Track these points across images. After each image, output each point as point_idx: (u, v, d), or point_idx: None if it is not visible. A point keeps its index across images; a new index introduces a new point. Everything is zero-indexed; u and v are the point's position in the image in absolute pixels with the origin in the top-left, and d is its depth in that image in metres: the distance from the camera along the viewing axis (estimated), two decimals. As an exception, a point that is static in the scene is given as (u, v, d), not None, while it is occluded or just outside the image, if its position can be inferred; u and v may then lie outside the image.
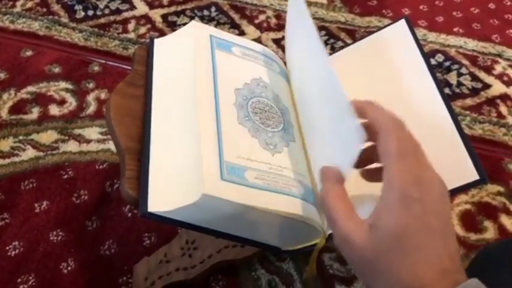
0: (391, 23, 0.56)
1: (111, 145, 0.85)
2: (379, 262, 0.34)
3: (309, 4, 1.18)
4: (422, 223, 0.33)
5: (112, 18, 1.10)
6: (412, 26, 0.54)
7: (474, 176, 0.42)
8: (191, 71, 0.49)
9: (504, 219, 0.80)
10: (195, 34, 0.53)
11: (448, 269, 0.33)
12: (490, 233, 0.78)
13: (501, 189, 0.84)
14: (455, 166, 0.43)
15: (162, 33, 1.07)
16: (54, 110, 0.90)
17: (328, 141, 0.43)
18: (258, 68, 0.54)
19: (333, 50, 1.05)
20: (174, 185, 0.42)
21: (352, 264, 0.37)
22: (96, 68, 0.98)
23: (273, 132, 0.48)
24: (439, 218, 0.34)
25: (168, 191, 0.42)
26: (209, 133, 0.43)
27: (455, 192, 0.42)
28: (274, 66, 0.57)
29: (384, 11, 1.16)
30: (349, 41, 1.09)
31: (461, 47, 1.10)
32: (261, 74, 0.53)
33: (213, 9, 1.15)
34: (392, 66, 0.53)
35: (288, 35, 0.58)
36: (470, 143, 0.44)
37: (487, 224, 0.79)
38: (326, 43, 1.08)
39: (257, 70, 0.54)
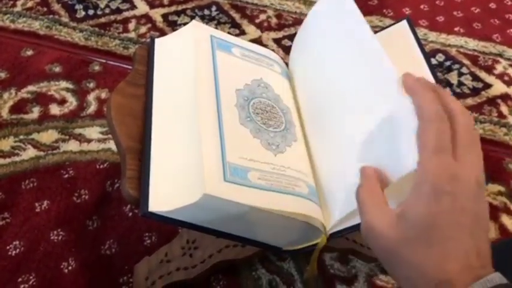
0: (393, 24, 0.56)
1: (111, 145, 0.85)
2: (404, 252, 0.34)
3: (309, 4, 1.18)
4: (452, 217, 0.33)
5: (112, 17, 1.10)
6: (413, 27, 0.54)
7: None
8: (192, 70, 0.49)
9: (505, 219, 0.80)
10: (195, 34, 0.53)
11: (474, 266, 0.33)
12: (491, 233, 0.78)
13: (502, 189, 0.84)
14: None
15: (162, 33, 1.07)
16: (54, 109, 0.90)
17: (372, 146, 0.43)
18: (258, 68, 0.54)
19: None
20: (175, 184, 0.42)
21: (377, 253, 0.37)
22: (97, 68, 0.98)
23: (274, 132, 0.48)
24: (469, 215, 0.34)
25: (169, 190, 0.42)
26: (210, 134, 0.43)
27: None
28: (275, 66, 0.57)
29: (384, 10, 1.16)
30: (349, 40, 1.08)
31: (462, 46, 1.10)
32: (261, 75, 0.54)
33: (213, 8, 1.15)
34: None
35: (303, 36, 0.57)
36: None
37: (488, 223, 0.79)
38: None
39: (257, 71, 0.54)
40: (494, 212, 0.81)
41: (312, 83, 0.53)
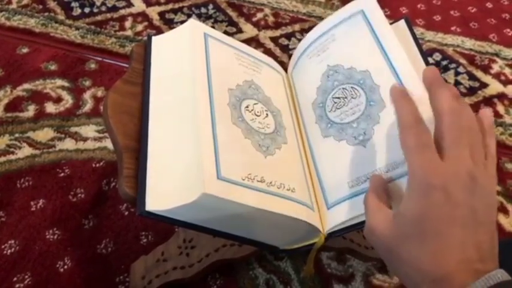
0: (391, 23, 0.56)
1: (107, 143, 0.84)
2: (401, 249, 0.35)
3: (306, 2, 1.18)
4: (445, 212, 0.34)
5: (109, 15, 1.10)
6: (412, 27, 0.53)
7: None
8: (189, 69, 0.49)
9: (501, 219, 0.80)
10: (193, 33, 0.53)
11: (472, 259, 0.33)
12: (487, 232, 0.78)
13: (498, 188, 0.84)
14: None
15: (159, 31, 1.07)
16: (50, 107, 0.90)
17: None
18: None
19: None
20: (172, 183, 0.42)
21: (379, 252, 0.38)
22: (93, 66, 0.98)
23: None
24: (464, 208, 0.34)
25: (166, 189, 0.42)
26: (207, 133, 0.43)
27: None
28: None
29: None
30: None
31: (458, 46, 1.10)
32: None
33: (210, 6, 1.15)
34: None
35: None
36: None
37: (484, 223, 0.79)
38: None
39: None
40: (491, 211, 0.81)
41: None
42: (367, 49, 0.50)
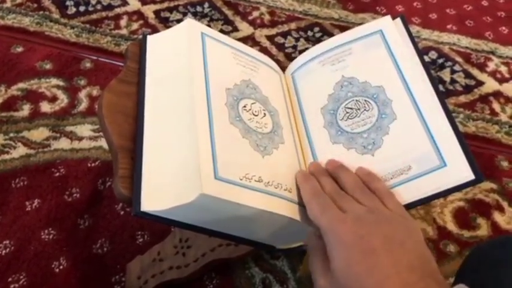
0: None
1: (103, 142, 0.84)
2: None
3: (303, 0, 1.18)
4: (360, 247, 0.36)
5: (104, 14, 1.09)
6: (407, 25, 0.53)
7: (470, 175, 0.42)
8: (185, 68, 0.48)
9: (497, 217, 0.80)
10: (190, 32, 0.52)
11: (409, 281, 0.34)
12: (483, 230, 0.78)
13: (494, 186, 0.84)
14: (450, 165, 0.43)
15: (154, 30, 1.06)
16: (45, 107, 0.89)
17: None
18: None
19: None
20: (168, 184, 0.42)
21: None
22: (88, 65, 0.97)
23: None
24: (374, 237, 0.37)
25: (162, 190, 0.42)
26: (204, 133, 0.43)
27: (451, 191, 0.42)
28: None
29: (377, 7, 1.16)
30: (342, 37, 1.08)
31: (454, 44, 1.10)
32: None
33: (206, 5, 1.14)
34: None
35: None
36: (466, 140, 0.44)
37: (480, 221, 0.80)
38: (319, 40, 1.07)
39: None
40: (487, 209, 0.81)
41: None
42: (383, 67, 0.52)
